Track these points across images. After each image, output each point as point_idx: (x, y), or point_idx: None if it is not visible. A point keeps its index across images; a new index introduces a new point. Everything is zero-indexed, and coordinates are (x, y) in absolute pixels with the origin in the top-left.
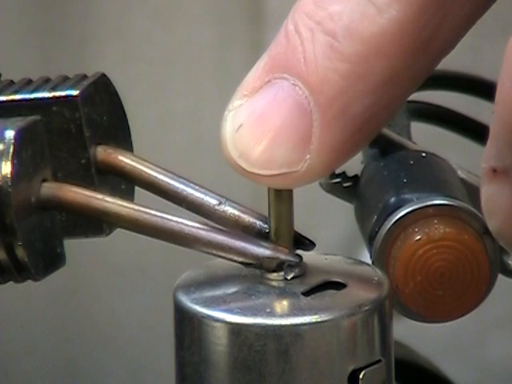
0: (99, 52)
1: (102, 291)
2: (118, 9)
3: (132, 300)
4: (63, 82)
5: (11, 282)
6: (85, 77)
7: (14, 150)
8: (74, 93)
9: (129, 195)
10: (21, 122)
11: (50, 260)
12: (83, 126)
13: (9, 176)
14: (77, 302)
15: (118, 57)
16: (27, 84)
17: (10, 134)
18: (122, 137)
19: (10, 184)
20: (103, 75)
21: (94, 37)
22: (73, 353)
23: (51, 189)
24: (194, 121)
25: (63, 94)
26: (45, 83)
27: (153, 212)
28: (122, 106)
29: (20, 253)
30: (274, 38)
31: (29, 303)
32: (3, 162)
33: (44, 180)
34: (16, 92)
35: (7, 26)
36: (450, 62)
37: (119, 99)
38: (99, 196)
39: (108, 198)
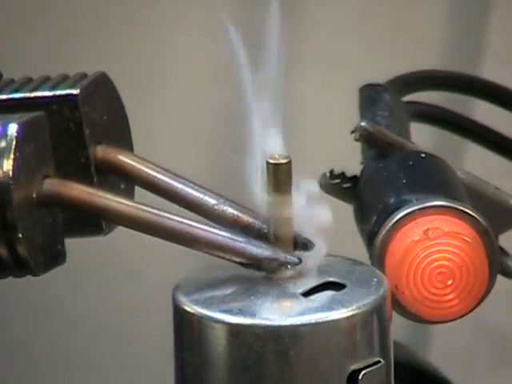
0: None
1: (102, 291)
2: None
3: (131, 300)
4: (63, 80)
5: None
6: (85, 75)
7: (17, 144)
8: (74, 92)
9: (129, 195)
10: (24, 116)
11: (50, 256)
12: (83, 125)
13: (10, 170)
14: (76, 300)
15: None
16: (27, 82)
17: (13, 127)
18: (122, 136)
19: (11, 178)
20: (103, 74)
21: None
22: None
23: (53, 185)
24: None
25: (63, 92)
26: (45, 82)
27: (154, 211)
28: (123, 105)
29: (20, 247)
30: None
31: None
32: (5, 156)
33: (46, 176)
34: (16, 90)
35: None
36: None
37: (119, 98)
38: (100, 193)
39: (109, 196)
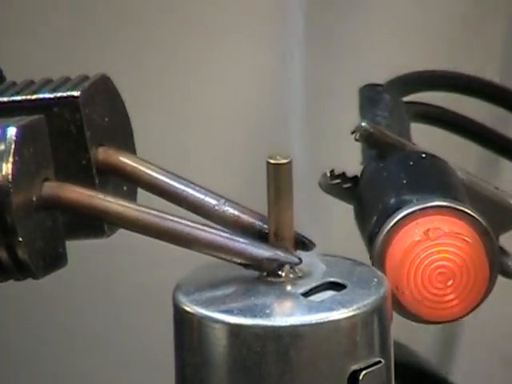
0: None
1: (100, 291)
2: None
3: (131, 301)
4: (64, 82)
5: None
6: (86, 78)
7: (16, 147)
8: (75, 93)
9: (131, 197)
10: (24, 120)
11: (51, 259)
12: (84, 127)
13: (9, 174)
14: (72, 304)
15: None
16: (29, 85)
17: (11, 131)
18: (123, 137)
19: (10, 182)
20: (104, 76)
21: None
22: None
23: (53, 188)
24: None
25: (64, 94)
26: (46, 84)
27: (154, 212)
28: (125, 107)
29: (20, 251)
30: None
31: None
32: (4, 160)
33: (46, 179)
34: (17, 93)
35: None
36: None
37: (121, 100)
38: (100, 196)
39: (109, 198)
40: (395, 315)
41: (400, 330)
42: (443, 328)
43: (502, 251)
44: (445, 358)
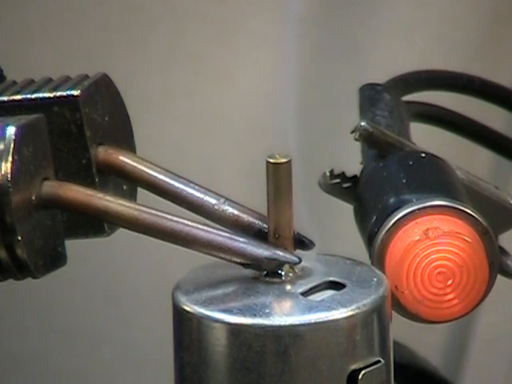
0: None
1: (100, 291)
2: None
3: (132, 300)
4: (65, 82)
5: None
6: (86, 77)
7: (15, 146)
8: (75, 93)
9: (131, 196)
10: (23, 119)
11: (51, 258)
12: (84, 126)
13: (9, 173)
14: (72, 304)
15: None
16: (29, 84)
17: (11, 130)
18: (124, 137)
19: (9, 181)
20: (104, 75)
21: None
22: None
23: (52, 187)
24: None
25: (64, 93)
26: (47, 83)
27: (153, 212)
28: (125, 106)
29: (19, 250)
30: None
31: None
32: (3, 159)
33: (45, 178)
34: (17, 92)
35: None
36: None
37: (121, 99)
38: (100, 195)
39: (109, 197)
40: (399, 317)
41: (406, 330)
42: (449, 328)
43: (502, 251)
44: (450, 359)
